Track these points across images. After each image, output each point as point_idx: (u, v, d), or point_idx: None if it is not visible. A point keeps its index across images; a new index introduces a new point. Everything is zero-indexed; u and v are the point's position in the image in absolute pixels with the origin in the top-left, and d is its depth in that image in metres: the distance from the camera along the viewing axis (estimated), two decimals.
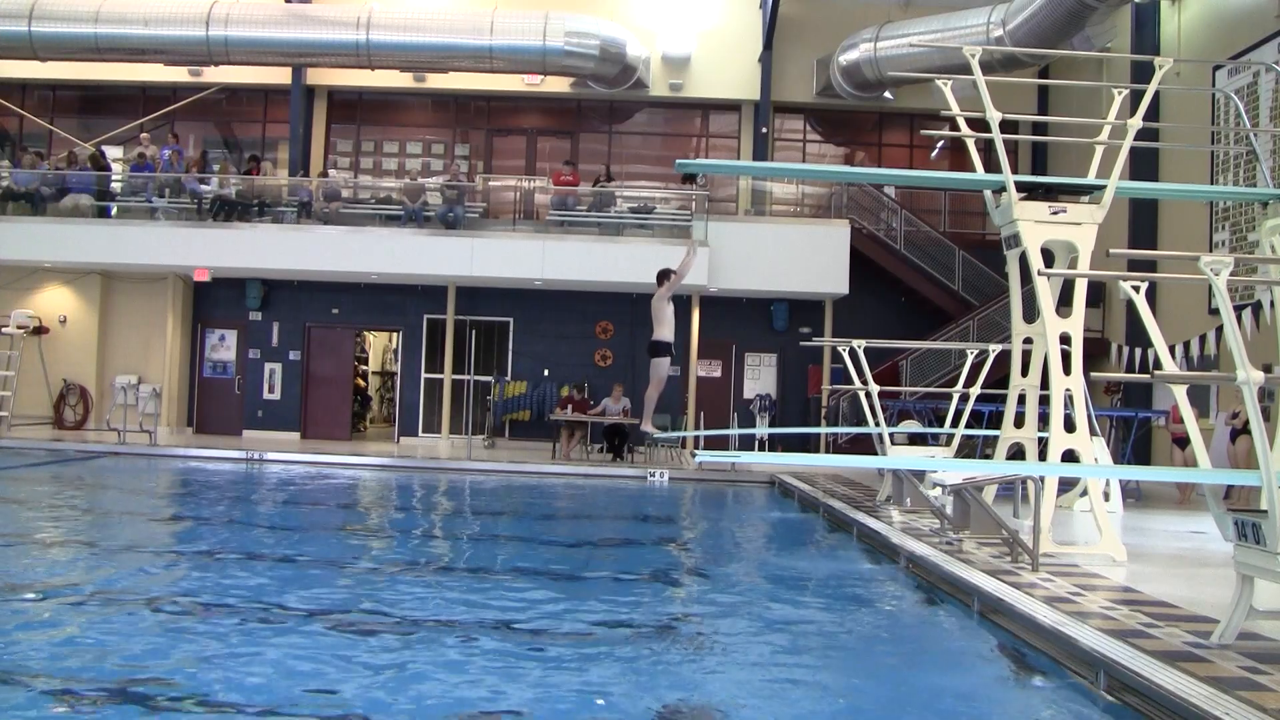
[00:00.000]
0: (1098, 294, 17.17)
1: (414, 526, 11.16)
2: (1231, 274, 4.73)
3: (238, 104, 21.73)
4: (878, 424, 11.22)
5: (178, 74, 20.40)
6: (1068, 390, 8.02)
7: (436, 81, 20.43)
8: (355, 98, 21.50)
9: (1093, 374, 9.84)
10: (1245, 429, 11.30)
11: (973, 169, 9.19)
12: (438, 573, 8.06)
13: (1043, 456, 8.23)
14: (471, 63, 18.84)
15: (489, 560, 8.80)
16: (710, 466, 15.32)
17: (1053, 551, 7.61)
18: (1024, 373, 8.90)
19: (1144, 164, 15.39)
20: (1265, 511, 4.62)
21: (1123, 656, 4.71)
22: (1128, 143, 8.27)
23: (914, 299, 19.58)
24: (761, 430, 18.05)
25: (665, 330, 9.64)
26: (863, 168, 19.14)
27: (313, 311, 19.99)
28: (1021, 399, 8.93)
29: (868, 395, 11.25)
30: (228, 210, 18.52)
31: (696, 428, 17.31)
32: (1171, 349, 13.50)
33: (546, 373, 19.69)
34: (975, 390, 11.22)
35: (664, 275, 9.63)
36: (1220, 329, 10.69)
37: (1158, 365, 5.40)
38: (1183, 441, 12.33)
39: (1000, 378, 10.61)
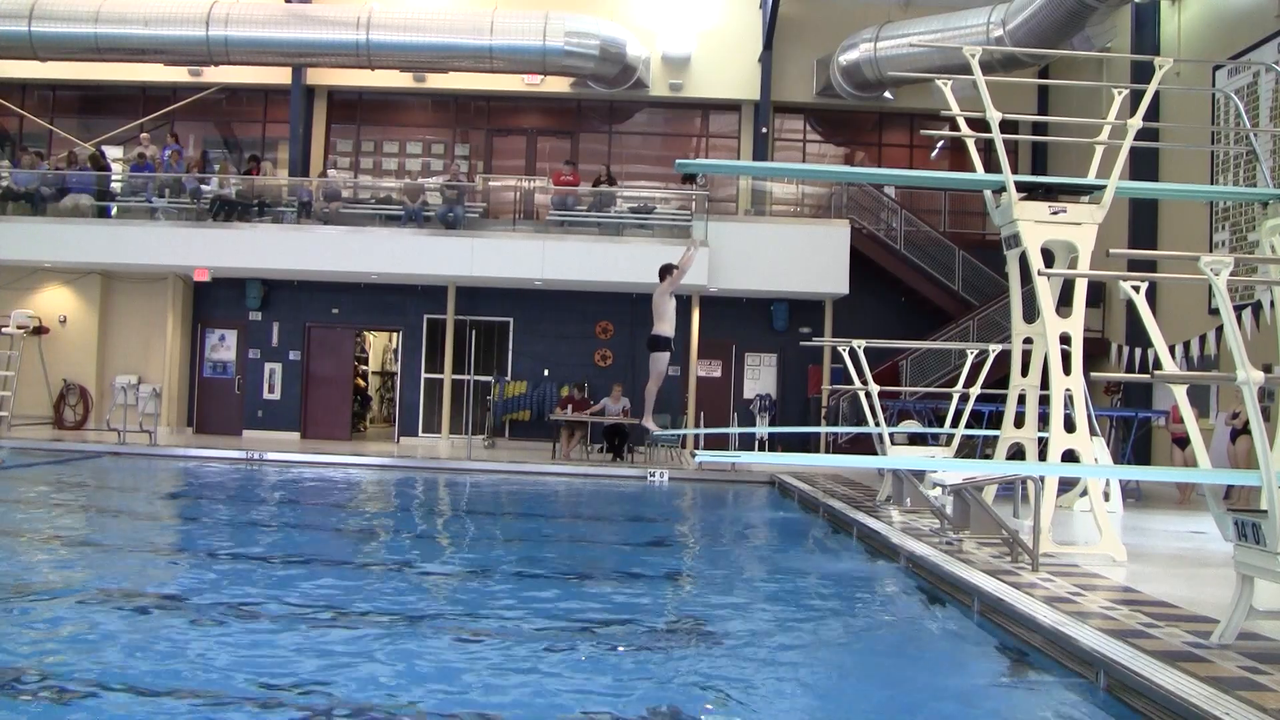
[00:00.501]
0: (1098, 294, 17.17)
1: (414, 526, 11.16)
2: (1231, 274, 4.73)
3: (238, 104, 21.73)
4: (878, 424, 11.21)
5: (178, 74, 20.40)
6: (1068, 390, 8.02)
7: (436, 81, 20.43)
8: (355, 98, 21.50)
9: (1093, 374, 9.85)
10: (1245, 429, 11.29)
11: (973, 169, 9.20)
12: (438, 572, 8.06)
13: (1043, 456, 8.23)
14: (471, 63, 18.85)
15: (488, 560, 8.79)
16: (710, 466, 15.32)
17: (1053, 551, 7.61)
18: (1024, 373, 8.91)
19: (1144, 164, 15.39)
20: (1265, 511, 4.62)
21: (1123, 656, 4.71)
22: (1128, 143, 8.27)
23: (914, 299, 19.58)
24: (761, 430, 18.03)
25: (665, 325, 9.74)
26: (863, 168, 19.14)
27: (313, 311, 19.99)
28: (1021, 399, 8.93)
29: (868, 395, 11.25)
30: (228, 210, 18.51)
31: (696, 427, 17.30)
32: (1171, 349, 13.49)
33: (546, 373, 19.69)
34: (975, 390, 11.22)
35: (666, 270, 9.85)
36: (1220, 329, 10.69)
37: (1158, 365, 5.40)
38: (1183, 441, 12.33)
39: (1000, 378, 10.61)
